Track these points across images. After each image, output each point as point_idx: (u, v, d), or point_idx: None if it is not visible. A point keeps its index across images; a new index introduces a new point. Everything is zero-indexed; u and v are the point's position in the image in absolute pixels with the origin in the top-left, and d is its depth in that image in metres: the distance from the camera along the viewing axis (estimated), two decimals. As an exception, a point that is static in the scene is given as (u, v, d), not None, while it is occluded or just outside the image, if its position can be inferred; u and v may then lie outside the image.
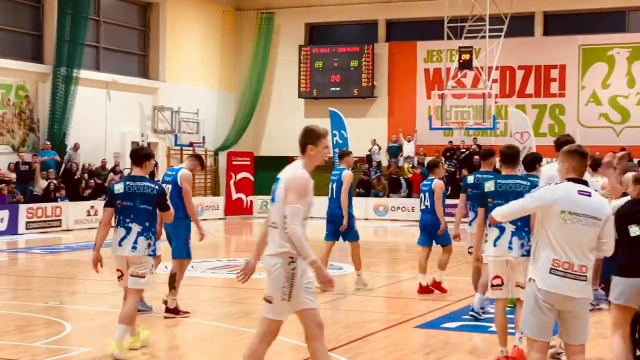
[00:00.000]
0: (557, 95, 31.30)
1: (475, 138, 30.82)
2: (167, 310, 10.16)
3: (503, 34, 29.16)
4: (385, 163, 32.46)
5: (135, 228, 8.13)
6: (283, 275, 5.89)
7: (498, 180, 8.01)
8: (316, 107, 33.71)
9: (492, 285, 7.85)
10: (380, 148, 32.49)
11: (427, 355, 8.52)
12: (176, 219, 9.46)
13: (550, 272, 5.80)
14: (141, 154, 8.43)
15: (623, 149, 27.78)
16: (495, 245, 7.76)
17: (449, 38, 29.74)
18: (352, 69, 33.27)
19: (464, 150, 30.58)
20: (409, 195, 30.57)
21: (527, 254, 7.24)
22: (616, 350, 6.63)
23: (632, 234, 6.66)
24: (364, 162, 32.39)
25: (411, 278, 15.08)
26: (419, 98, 32.71)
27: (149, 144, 30.72)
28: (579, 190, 5.92)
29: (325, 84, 33.74)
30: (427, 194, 12.36)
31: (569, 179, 6.01)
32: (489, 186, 7.99)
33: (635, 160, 26.13)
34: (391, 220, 29.53)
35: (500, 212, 6.26)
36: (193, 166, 10.60)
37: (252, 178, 32.05)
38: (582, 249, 5.83)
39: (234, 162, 32.05)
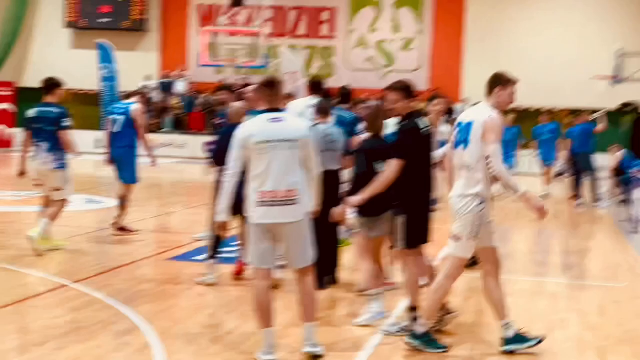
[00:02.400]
0: (328, 37, 31.94)
1: (246, 77, 30.86)
2: (119, 229, 11.44)
3: (276, -27, 29.26)
4: (156, 99, 31.87)
5: (44, 146, 9.87)
6: (472, 216, 6.22)
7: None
8: (84, 39, 32.39)
9: None
10: (152, 83, 31.81)
11: (175, 285, 8.52)
12: (125, 148, 11.31)
13: (257, 205, 5.88)
14: (49, 84, 10.05)
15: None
16: None
17: (222, -26, 29.45)
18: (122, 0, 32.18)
19: (238, 88, 30.54)
20: (181, 133, 30.43)
21: None
22: (372, 272, 7.17)
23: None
24: (134, 97, 31.69)
25: (176, 212, 15.11)
26: (192, 34, 32.25)
27: None
28: (270, 119, 5.98)
29: (94, 15, 32.40)
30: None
31: (263, 110, 6.10)
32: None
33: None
34: (161, 156, 29.07)
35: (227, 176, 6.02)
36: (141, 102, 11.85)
37: (13, 110, 30.40)
38: (287, 174, 5.87)
39: (-7, 93, 30.29)
